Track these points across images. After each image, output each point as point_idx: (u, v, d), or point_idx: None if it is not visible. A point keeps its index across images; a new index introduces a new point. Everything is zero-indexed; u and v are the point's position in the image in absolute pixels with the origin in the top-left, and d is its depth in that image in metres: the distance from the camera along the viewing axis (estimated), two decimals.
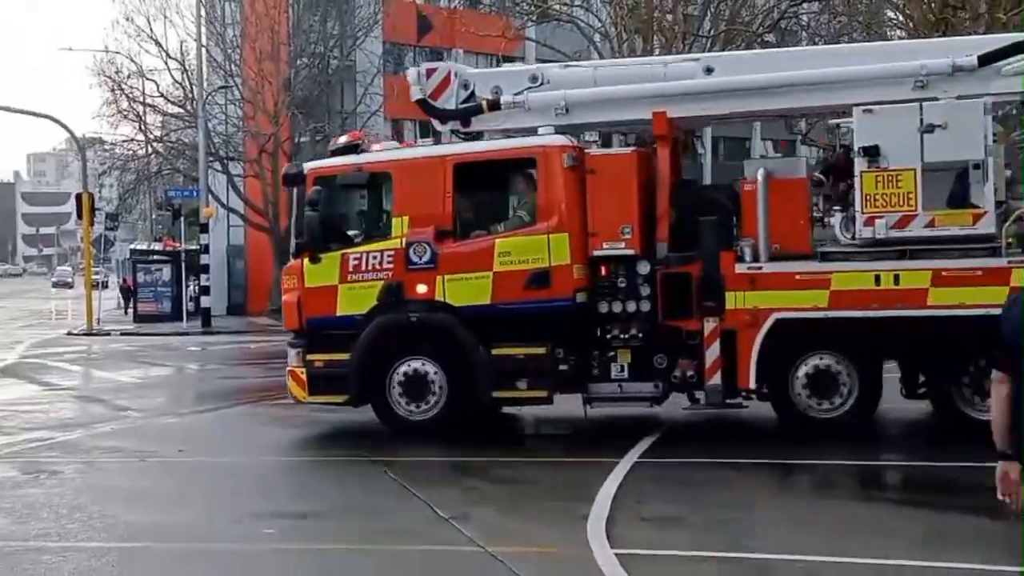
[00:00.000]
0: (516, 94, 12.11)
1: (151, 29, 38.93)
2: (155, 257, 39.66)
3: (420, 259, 11.68)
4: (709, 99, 11.77)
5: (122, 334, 32.89)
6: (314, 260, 12.05)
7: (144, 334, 32.58)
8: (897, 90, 10.96)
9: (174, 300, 36.38)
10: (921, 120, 10.36)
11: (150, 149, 41.75)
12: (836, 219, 11.00)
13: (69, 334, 33.15)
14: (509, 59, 48.43)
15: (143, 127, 41.35)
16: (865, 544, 7.31)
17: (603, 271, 11.46)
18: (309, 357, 12.08)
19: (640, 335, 11.30)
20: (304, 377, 12.14)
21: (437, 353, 11.75)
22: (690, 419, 12.10)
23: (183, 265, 35.46)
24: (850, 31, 27.77)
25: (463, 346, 11.58)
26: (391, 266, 11.78)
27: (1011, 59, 10.80)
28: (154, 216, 53.07)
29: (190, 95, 38.19)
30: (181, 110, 40.52)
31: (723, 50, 25.02)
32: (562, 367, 11.43)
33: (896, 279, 10.51)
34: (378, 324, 11.82)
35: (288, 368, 12.39)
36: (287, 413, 14.12)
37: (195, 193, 35.37)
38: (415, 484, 9.59)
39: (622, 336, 11.36)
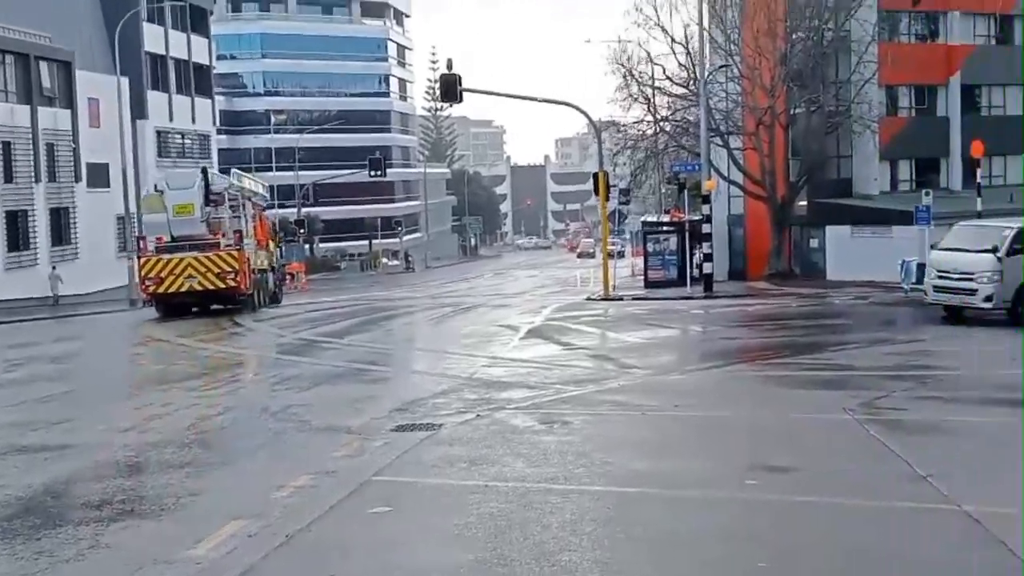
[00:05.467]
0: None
1: (658, 17, 42.34)
2: (663, 228, 41.93)
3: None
4: None
5: (633, 299, 34.14)
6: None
7: (653, 299, 34.05)
8: None
9: (679, 267, 38.62)
10: None
11: (658, 128, 44.18)
12: None
13: (588, 299, 34.90)
14: (1007, 18, 45.14)
15: (651, 108, 44.04)
16: None
17: None
18: None
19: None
20: None
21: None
22: None
23: (687, 234, 37.85)
24: None
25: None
26: None
27: None
28: (663, 190, 55.30)
29: (693, 76, 40.75)
30: (685, 91, 42.96)
31: None
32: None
33: None
34: None
35: None
36: (781, 373, 15.73)
37: (698, 167, 37.56)
38: (893, 442, 10.06)
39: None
